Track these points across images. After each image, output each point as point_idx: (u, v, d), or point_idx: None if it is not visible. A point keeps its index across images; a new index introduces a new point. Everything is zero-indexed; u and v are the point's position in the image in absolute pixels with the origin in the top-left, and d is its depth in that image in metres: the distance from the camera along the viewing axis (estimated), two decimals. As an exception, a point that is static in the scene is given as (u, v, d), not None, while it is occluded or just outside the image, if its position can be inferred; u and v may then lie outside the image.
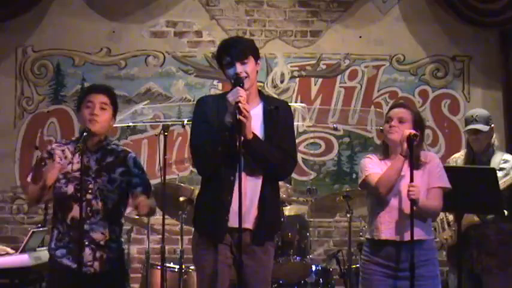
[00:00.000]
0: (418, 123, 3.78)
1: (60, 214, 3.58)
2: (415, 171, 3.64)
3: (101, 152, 3.64)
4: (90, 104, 3.58)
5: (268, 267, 3.45)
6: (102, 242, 3.57)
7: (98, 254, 3.56)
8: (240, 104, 3.17)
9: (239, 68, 3.34)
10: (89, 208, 3.54)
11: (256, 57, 3.44)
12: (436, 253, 3.80)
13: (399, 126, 3.71)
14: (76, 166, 3.55)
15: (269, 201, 3.38)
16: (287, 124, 3.48)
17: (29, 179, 3.67)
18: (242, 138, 3.19)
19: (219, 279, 3.29)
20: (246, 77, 3.34)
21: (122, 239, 3.79)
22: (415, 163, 3.69)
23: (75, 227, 3.49)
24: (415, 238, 3.58)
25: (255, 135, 3.28)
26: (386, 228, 3.68)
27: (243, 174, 3.21)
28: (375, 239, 3.73)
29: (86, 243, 3.52)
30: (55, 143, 3.73)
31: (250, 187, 3.33)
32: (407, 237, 3.60)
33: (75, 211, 3.50)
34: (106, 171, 3.61)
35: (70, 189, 3.54)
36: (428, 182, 3.73)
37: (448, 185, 3.77)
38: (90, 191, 3.56)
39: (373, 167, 3.77)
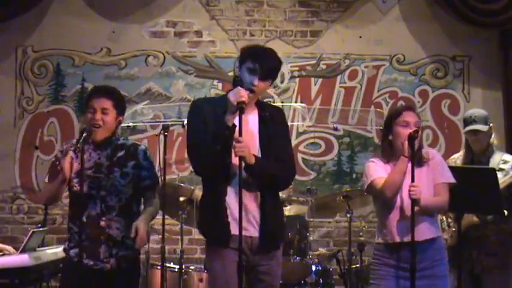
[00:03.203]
0: (420, 123, 3.81)
1: (75, 213, 3.61)
2: (420, 169, 3.68)
3: (111, 147, 3.68)
4: (92, 109, 3.62)
5: (277, 272, 3.46)
6: (119, 238, 3.60)
7: (114, 251, 3.59)
8: (235, 146, 3.20)
9: (256, 81, 3.33)
10: (103, 205, 3.60)
11: (274, 78, 3.44)
12: (446, 252, 3.82)
13: None
14: (87, 164, 3.58)
15: (270, 211, 3.38)
16: (283, 132, 3.50)
17: (46, 179, 3.70)
18: (243, 163, 3.23)
19: (228, 283, 3.30)
20: (254, 92, 3.33)
21: None
22: (419, 161, 3.72)
23: (91, 224, 3.56)
24: (427, 237, 3.61)
25: (257, 159, 3.29)
26: (399, 230, 3.66)
27: (240, 187, 3.23)
28: (389, 242, 3.70)
29: (103, 240, 3.57)
30: (66, 144, 3.77)
31: (249, 196, 3.33)
32: (420, 237, 3.61)
33: (91, 209, 3.57)
34: (118, 166, 3.65)
35: (83, 187, 3.55)
36: (433, 178, 3.75)
37: (452, 179, 3.79)
38: (103, 188, 3.60)
39: (377, 172, 3.76)
